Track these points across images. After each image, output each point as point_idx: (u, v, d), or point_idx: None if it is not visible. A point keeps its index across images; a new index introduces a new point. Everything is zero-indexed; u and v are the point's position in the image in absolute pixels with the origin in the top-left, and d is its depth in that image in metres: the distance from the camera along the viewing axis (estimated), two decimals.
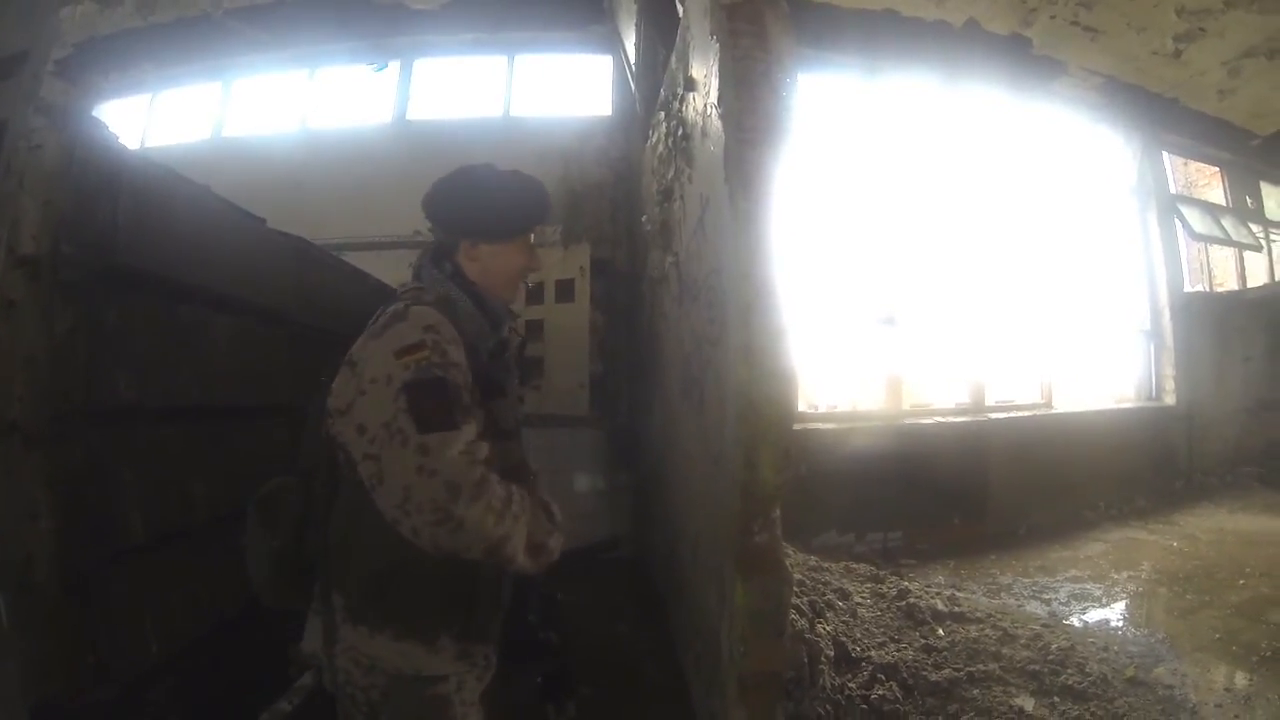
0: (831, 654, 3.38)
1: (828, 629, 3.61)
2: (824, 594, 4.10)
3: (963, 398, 6.60)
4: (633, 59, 6.02)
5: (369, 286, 4.06)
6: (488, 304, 1.68)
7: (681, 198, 3.76)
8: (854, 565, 4.83)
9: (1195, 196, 9.16)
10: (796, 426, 2.48)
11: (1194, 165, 9.51)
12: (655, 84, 4.95)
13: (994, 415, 6.50)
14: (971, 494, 5.97)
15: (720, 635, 2.62)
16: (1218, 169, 9.24)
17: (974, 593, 4.67)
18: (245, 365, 2.80)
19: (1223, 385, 7.98)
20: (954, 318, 6.50)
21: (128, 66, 7.68)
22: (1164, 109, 7.92)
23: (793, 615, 3.24)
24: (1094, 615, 4.31)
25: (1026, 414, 6.78)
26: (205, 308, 2.55)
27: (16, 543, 1.81)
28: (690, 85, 3.31)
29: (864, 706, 3.13)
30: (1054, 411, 6.98)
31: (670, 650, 3.91)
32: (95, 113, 5.86)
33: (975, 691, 3.31)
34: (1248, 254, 9.13)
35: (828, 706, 3.05)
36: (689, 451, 3.59)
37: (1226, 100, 7.92)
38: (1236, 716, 3.08)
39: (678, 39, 3.80)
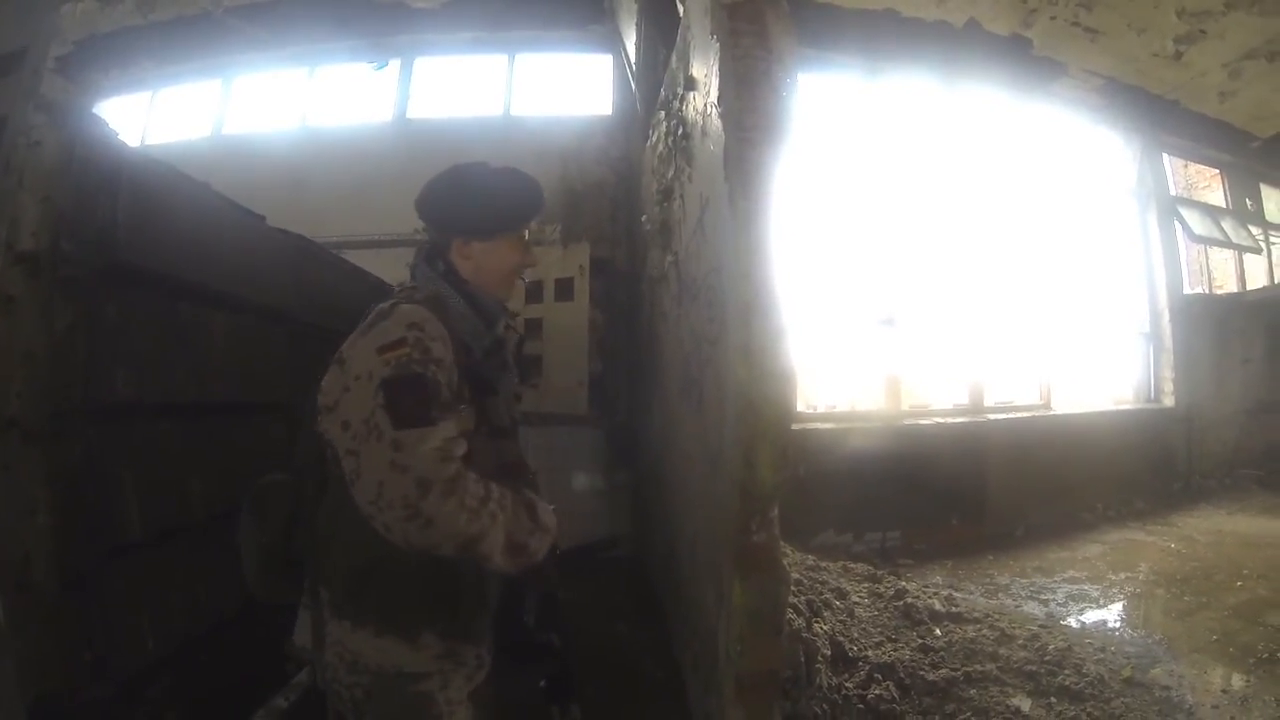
0: (829, 653, 3.39)
1: (825, 628, 3.61)
2: (821, 593, 4.11)
3: (961, 398, 6.60)
4: (633, 58, 6.02)
5: (368, 285, 4.05)
6: (481, 302, 1.68)
7: (681, 197, 3.76)
8: (851, 565, 4.84)
9: (1195, 198, 9.17)
10: (795, 426, 2.48)
11: (1194, 167, 9.52)
12: (655, 83, 4.95)
13: (993, 416, 6.51)
14: (969, 495, 5.97)
15: (718, 634, 2.62)
16: (1218, 171, 9.25)
17: (971, 593, 4.67)
18: (244, 363, 2.80)
19: (1222, 387, 7.99)
20: (953, 318, 6.51)
21: (128, 64, 7.67)
22: (1164, 110, 7.92)
23: (790, 615, 3.25)
24: (1091, 616, 4.32)
25: (1025, 415, 6.78)
26: (204, 305, 2.54)
27: (15, 540, 1.81)
28: (690, 84, 3.31)
29: (861, 706, 3.14)
30: (1053, 413, 6.98)
31: (668, 649, 3.91)
32: (95, 110, 5.87)
33: (972, 691, 3.31)
34: (1247, 256, 9.14)
35: (825, 706, 3.05)
36: (687, 451, 3.59)
37: (1227, 102, 7.92)
38: (1233, 718, 3.09)
39: (678, 38, 3.80)
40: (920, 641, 3.76)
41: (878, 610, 4.13)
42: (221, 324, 2.65)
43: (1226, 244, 8.76)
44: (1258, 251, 9.05)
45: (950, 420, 6.27)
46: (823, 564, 4.67)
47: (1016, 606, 4.47)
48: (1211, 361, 7.99)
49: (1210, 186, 9.47)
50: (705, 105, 2.99)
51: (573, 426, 6.40)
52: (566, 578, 1.72)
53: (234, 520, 1.71)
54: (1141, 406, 7.80)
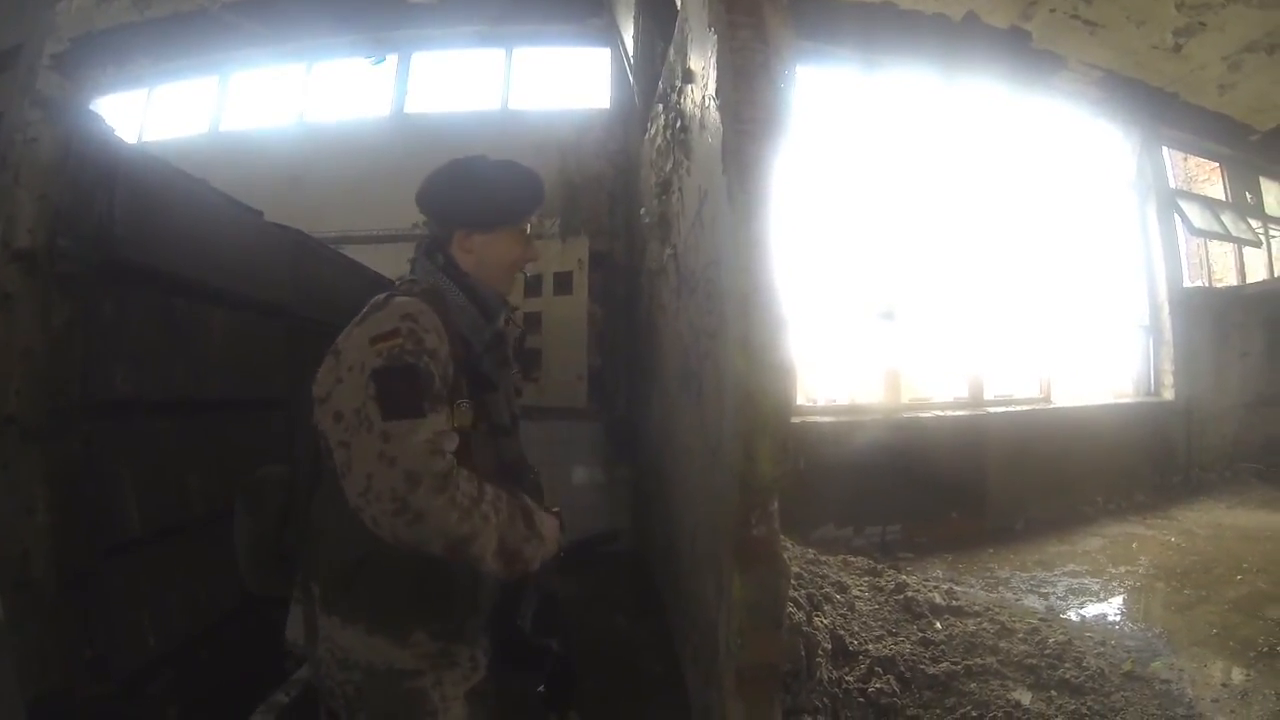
0: (829, 647, 3.39)
1: (825, 622, 3.61)
2: (822, 587, 4.11)
3: (961, 392, 6.60)
4: (631, 52, 6.00)
5: (366, 280, 4.05)
6: (481, 295, 1.65)
7: (680, 190, 3.75)
8: (852, 559, 4.84)
9: (1195, 192, 9.14)
10: (795, 420, 2.47)
11: (1193, 160, 9.49)
12: (653, 76, 4.94)
13: (992, 410, 6.51)
14: (970, 488, 5.97)
15: (718, 627, 2.62)
16: (1217, 164, 9.22)
17: (972, 587, 4.67)
18: (242, 358, 2.80)
19: (1221, 381, 7.98)
20: (953, 312, 6.50)
21: (125, 61, 7.65)
22: (1164, 103, 7.89)
23: (790, 608, 3.24)
24: (1091, 610, 4.32)
25: (1025, 408, 6.78)
26: (202, 301, 2.54)
27: (13, 537, 1.82)
28: (688, 77, 3.30)
29: (861, 700, 3.14)
30: (1053, 406, 6.98)
31: (668, 642, 3.92)
32: (92, 107, 5.85)
33: (972, 685, 3.31)
34: (1247, 249, 9.12)
35: (825, 699, 3.05)
36: (687, 444, 3.59)
37: (1226, 95, 7.89)
38: (1233, 712, 3.09)
39: (676, 31, 3.79)
40: (921, 635, 3.76)
41: (878, 604, 4.13)
42: (219, 320, 2.65)
43: (1226, 237, 8.75)
44: (1257, 245, 9.03)
45: (950, 414, 6.27)
46: (823, 558, 4.67)
47: (1017, 600, 4.48)
48: (1211, 355, 7.98)
49: (1210, 180, 9.45)
50: (703, 98, 2.98)
51: (572, 420, 6.41)
52: (566, 573, 1.70)
53: (233, 517, 1.70)
54: (1141, 400, 7.79)
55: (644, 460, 5.73)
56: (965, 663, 3.46)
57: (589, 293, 6.73)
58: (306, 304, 3.26)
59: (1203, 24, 6.63)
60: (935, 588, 4.39)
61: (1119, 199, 8.11)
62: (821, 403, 6.17)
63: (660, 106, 4.49)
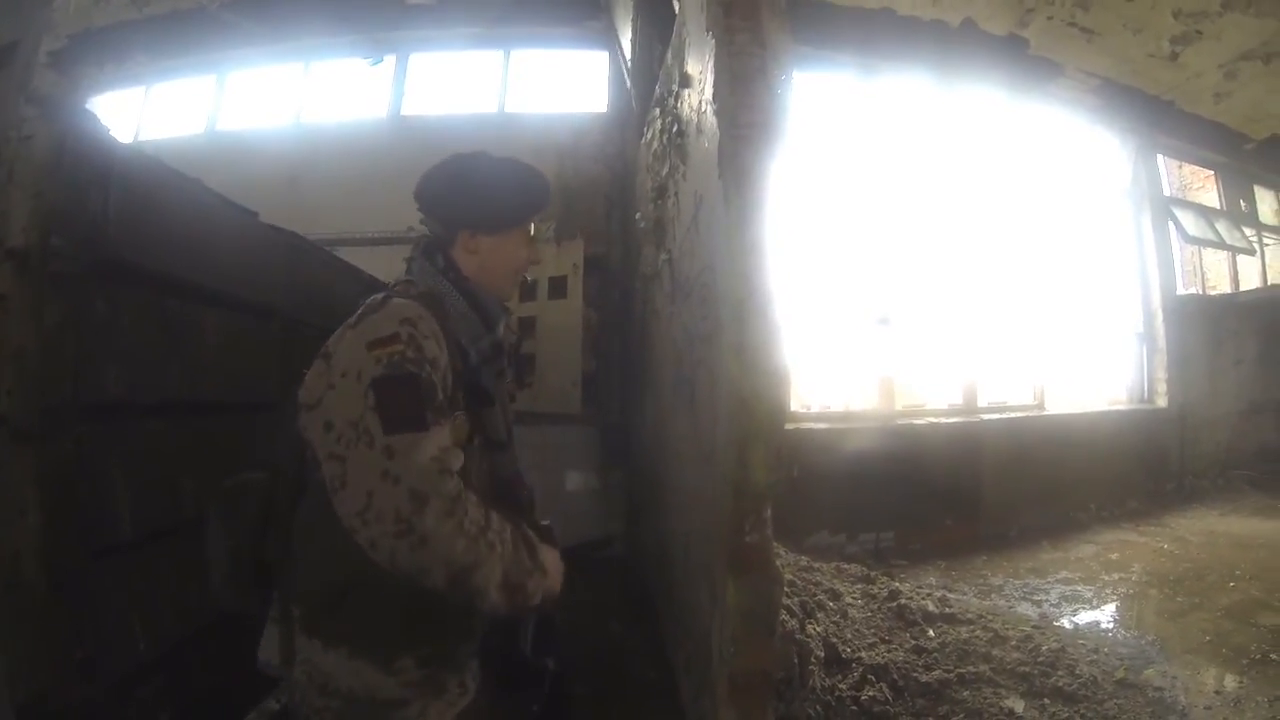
0: (822, 655, 3.39)
1: (818, 629, 3.61)
2: (815, 594, 4.11)
3: (956, 399, 6.61)
4: (629, 55, 6.01)
5: (362, 283, 4.04)
6: (482, 301, 1.56)
7: (676, 194, 3.75)
8: (845, 566, 4.84)
9: (1189, 200, 9.20)
10: (789, 426, 2.47)
11: (1188, 168, 9.56)
12: (651, 80, 4.94)
13: (987, 416, 6.53)
14: (963, 495, 5.98)
15: (711, 635, 2.62)
16: (1212, 172, 9.29)
17: (965, 594, 4.67)
18: (236, 361, 2.78)
19: (1215, 388, 8.02)
20: (947, 319, 6.52)
21: (122, 59, 7.65)
22: (1160, 111, 7.94)
23: (783, 615, 3.25)
24: (1085, 617, 4.33)
25: (1019, 415, 6.80)
26: (196, 302, 2.53)
27: (4, 539, 1.80)
28: (685, 81, 3.30)
29: (854, 707, 3.14)
30: (1047, 413, 6.99)
31: (661, 649, 3.91)
32: (88, 105, 5.84)
33: (965, 693, 3.31)
34: (1241, 257, 9.18)
35: (818, 707, 3.05)
36: (681, 450, 3.58)
37: (1222, 103, 7.94)
38: (1226, 719, 3.10)
39: (673, 35, 3.79)
40: (914, 643, 3.76)
41: (871, 611, 4.13)
42: (213, 322, 2.63)
43: (1220, 245, 8.80)
44: (1251, 253, 9.10)
45: (944, 420, 6.28)
46: (816, 565, 4.67)
47: (1010, 607, 4.48)
48: (1205, 362, 8.02)
49: (1204, 188, 9.51)
50: (700, 102, 2.98)
51: (566, 425, 6.38)
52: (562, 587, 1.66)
53: (206, 525, 1.59)
54: (1135, 407, 7.82)
55: (638, 466, 5.72)
56: (958, 670, 3.46)
57: (584, 297, 6.70)
58: (301, 307, 3.24)
59: (1199, 32, 6.67)
60: (928, 595, 4.39)
61: (1114, 206, 8.15)
62: (816, 409, 6.17)
63: (657, 110, 4.49)
